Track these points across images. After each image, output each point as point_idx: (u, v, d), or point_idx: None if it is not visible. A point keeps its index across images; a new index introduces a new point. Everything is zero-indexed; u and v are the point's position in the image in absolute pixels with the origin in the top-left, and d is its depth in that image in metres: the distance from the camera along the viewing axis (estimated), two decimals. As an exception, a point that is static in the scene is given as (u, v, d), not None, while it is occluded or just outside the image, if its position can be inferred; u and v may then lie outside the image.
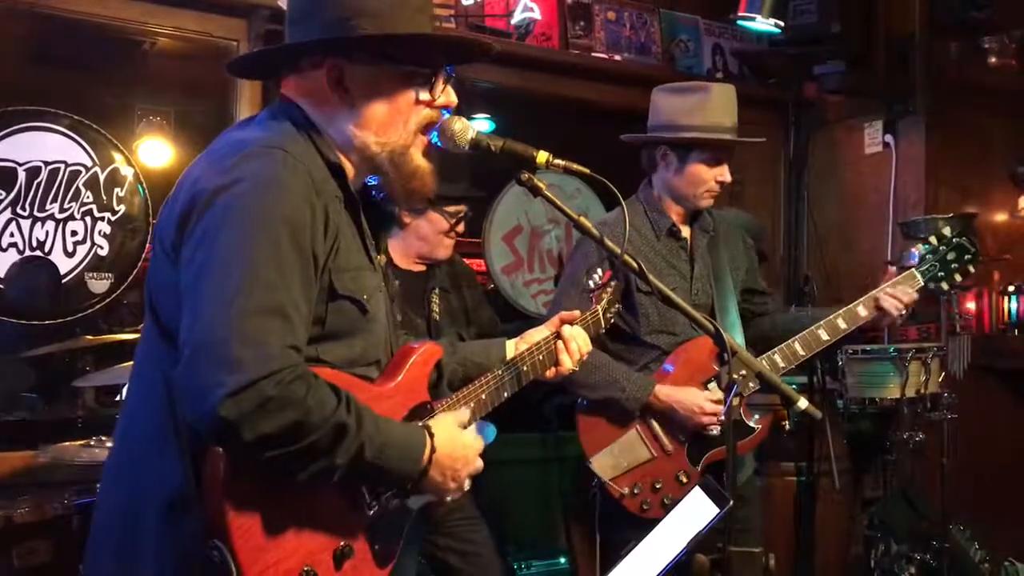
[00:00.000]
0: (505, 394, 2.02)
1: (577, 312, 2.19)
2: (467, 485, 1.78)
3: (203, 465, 1.50)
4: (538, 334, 2.13)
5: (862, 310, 2.99)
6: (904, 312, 3.01)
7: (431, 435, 1.69)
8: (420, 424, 1.74)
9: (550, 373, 2.12)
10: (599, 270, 2.33)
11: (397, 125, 1.73)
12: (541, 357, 2.09)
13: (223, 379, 1.39)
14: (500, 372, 2.02)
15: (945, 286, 3.10)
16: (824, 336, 2.96)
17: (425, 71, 1.74)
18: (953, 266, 3.07)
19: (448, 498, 1.77)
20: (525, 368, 2.06)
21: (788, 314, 3.25)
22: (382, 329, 1.80)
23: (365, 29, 1.66)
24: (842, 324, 2.98)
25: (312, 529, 1.59)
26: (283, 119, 1.71)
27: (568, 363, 2.11)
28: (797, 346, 2.94)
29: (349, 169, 1.75)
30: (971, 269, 3.10)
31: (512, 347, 2.11)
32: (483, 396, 1.96)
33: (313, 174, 1.62)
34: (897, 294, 2.99)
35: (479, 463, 1.79)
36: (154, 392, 1.58)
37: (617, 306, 2.34)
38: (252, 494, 1.51)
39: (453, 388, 1.97)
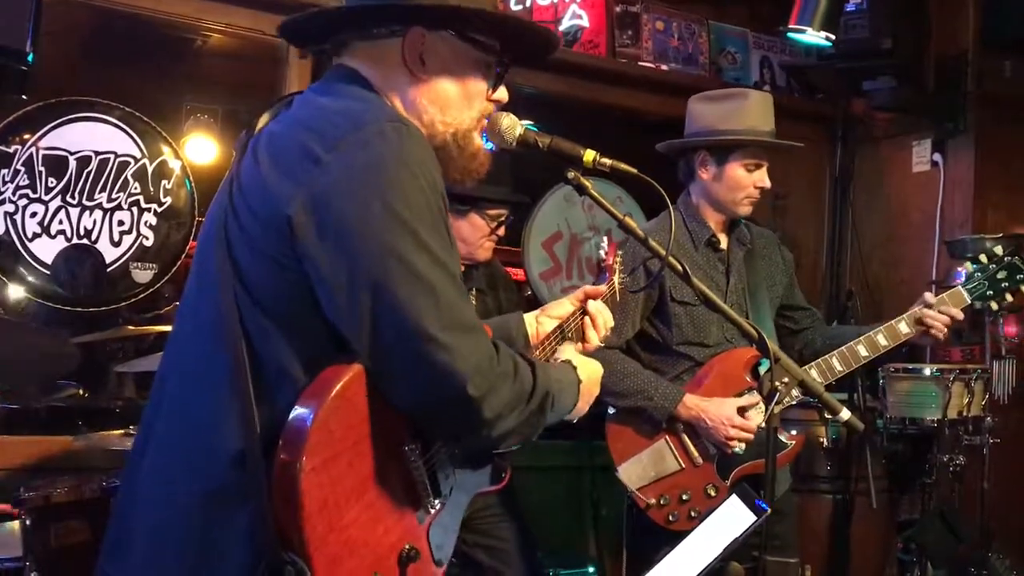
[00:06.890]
0: None
1: (603, 287, 2.17)
2: None
3: (273, 478, 1.43)
4: (561, 308, 2.09)
5: (904, 327, 2.95)
6: (946, 331, 2.95)
7: (574, 367, 1.79)
8: (563, 360, 1.84)
9: (576, 349, 2.09)
10: (604, 239, 2.33)
11: (463, 108, 1.70)
12: (570, 334, 2.07)
13: (459, 367, 1.45)
14: (537, 353, 1.98)
15: (994, 305, 3.04)
16: (863, 352, 2.93)
17: (492, 59, 1.72)
18: (1003, 285, 3.02)
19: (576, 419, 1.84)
20: (558, 346, 2.03)
21: (833, 328, 3.20)
22: None
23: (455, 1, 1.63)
24: (883, 341, 2.94)
25: (380, 533, 1.55)
26: (360, 88, 1.64)
27: (595, 339, 2.09)
28: (835, 361, 2.90)
29: None
30: (1023, 289, 3.04)
31: (531, 320, 2.08)
32: None
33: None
34: (941, 311, 2.93)
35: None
36: (223, 373, 1.49)
37: (625, 277, 2.35)
38: (326, 503, 1.45)
39: None
